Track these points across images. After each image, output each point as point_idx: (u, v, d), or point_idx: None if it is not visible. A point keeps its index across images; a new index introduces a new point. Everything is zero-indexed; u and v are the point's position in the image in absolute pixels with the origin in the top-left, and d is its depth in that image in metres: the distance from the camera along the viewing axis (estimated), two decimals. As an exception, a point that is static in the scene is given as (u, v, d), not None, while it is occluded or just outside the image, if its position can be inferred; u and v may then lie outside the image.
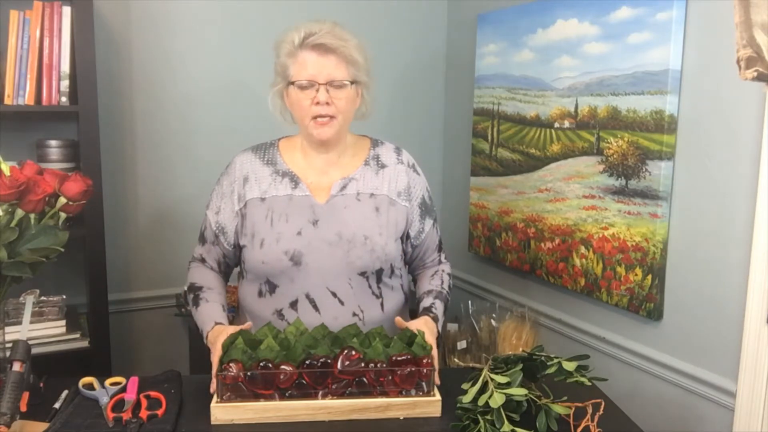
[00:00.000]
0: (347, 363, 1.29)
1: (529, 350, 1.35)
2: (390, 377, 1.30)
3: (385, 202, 1.53)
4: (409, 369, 1.29)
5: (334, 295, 1.48)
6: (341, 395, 1.29)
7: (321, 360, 1.28)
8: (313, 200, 1.50)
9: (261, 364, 1.27)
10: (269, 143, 1.59)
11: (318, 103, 1.42)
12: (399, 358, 1.30)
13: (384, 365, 1.29)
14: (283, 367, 1.27)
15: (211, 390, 1.30)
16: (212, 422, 1.25)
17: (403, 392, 1.31)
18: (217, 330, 1.41)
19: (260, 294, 1.51)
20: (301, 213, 1.49)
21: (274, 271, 1.48)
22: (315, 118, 1.43)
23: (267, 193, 1.51)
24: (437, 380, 1.34)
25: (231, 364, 1.27)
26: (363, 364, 1.29)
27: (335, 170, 1.53)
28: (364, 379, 1.30)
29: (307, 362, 1.28)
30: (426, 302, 1.55)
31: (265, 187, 1.51)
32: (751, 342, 1.58)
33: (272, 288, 1.49)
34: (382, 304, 1.53)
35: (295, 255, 1.46)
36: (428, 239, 1.62)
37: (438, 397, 1.31)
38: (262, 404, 1.27)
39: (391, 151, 1.60)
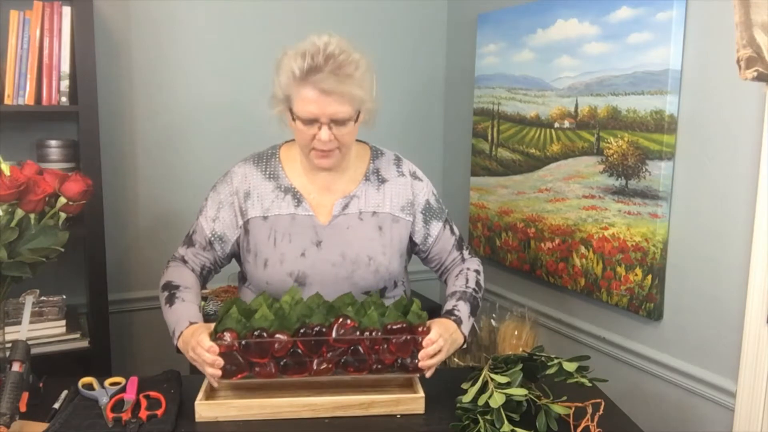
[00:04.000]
0: (342, 332, 1.29)
1: (530, 350, 1.35)
2: (385, 345, 1.29)
3: (387, 220, 1.50)
4: (404, 337, 1.29)
5: None
6: (336, 364, 1.29)
7: (316, 329, 1.28)
8: (316, 220, 1.47)
9: (255, 333, 1.27)
10: (270, 153, 1.54)
11: (320, 140, 1.37)
12: (394, 327, 1.30)
13: (379, 333, 1.29)
14: (277, 336, 1.27)
15: (215, 385, 1.30)
16: (196, 419, 1.26)
17: (399, 360, 1.30)
18: (192, 328, 1.34)
19: None
20: (304, 233, 1.46)
21: (278, 292, 1.46)
22: (316, 149, 1.39)
23: (269, 212, 1.48)
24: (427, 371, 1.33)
25: (225, 333, 1.27)
26: (358, 333, 1.29)
27: (337, 185, 1.50)
28: (359, 348, 1.29)
29: (302, 331, 1.28)
30: (448, 305, 1.48)
31: (268, 205, 1.48)
32: (751, 342, 1.57)
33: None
34: None
35: (300, 276, 1.45)
36: (440, 242, 1.57)
37: (421, 393, 1.32)
38: (246, 401, 1.27)
39: (390, 164, 1.56)
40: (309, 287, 1.45)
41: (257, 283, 1.49)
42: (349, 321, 1.29)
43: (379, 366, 1.30)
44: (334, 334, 1.28)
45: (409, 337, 1.29)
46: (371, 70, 1.39)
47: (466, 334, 1.43)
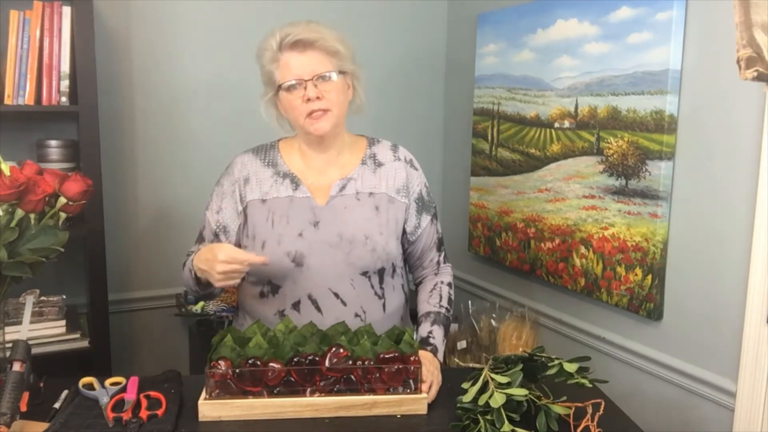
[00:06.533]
0: (335, 360, 1.29)
1: (530, 351, 1.35)
2: (377, 374, 1.30)
3: (384, 200, 1.53)
4: (396, 366, 1.30)
5: (337, 296, 1.48)
6: (329, 393, 1.30)
7: (309, 357, 1.29)
8: (314, 202, 1.50)
9: (249, 361, 1.28)
10: (269, 145, 1.59)
11: (309, 99, 1.42)
12: (386, 356, 1.30)
13: (371, 363, 1.30)
14: (271, 364, 1.28)
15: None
16: (200, 419, 1.26)
17: (391, 389, 1.31)
18: (212, 245, 1.39)
19: (262, 295, 1.51)
20: (301, 215, 1.49)
21: (276, 273, 1.48)
22: (309, 114, 1.44)
23: (268, 195, 1.51)
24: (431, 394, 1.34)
25: (220, 362, 1.27)
26: (351, 362, 1.30)
27: (334, 170, 1.54)
28: (352, 377, 1.30)
29: (295, 360, 1.29)
30: (423, 330, 1.53)
31: (267, 189, 1.52)
32: (751, 342, 1.58)
33: (275, 289, 1.49)
34: (384, 305, 1.53)
35: (297, 256, 1.46)
36: (425, 236, 1.60)
37: (424, 394, 1.32)
38: (249, 401, 1.27)
39: (387, 149, 1.60)
40: (307, 268, 1.46)
41: (256, 267, 1.47)
42: (342, 350, 1.30)
43: (372, 394, 1.31)
44: (327, 363, 1.29)
45: (401, 367, 1.30)
46: (348, 40, 1.49)
47: (441, 360, 1.48)
